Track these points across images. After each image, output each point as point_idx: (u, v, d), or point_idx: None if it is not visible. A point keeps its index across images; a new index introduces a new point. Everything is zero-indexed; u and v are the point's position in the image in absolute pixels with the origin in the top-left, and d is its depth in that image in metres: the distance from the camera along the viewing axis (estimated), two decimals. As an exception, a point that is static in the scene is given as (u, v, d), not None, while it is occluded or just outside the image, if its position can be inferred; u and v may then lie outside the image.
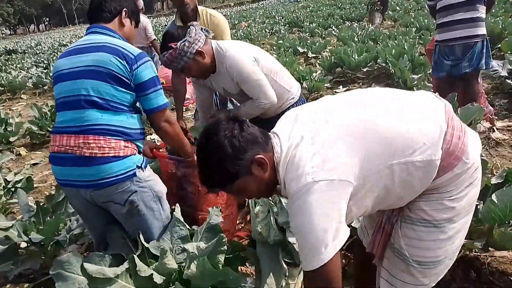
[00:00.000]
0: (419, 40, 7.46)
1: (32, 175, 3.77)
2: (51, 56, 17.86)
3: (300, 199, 1.14)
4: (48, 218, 2.60)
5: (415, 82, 5.28)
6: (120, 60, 1.74)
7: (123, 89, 1.76)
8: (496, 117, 4.29)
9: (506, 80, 4.48)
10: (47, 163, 5.02)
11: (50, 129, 5.62)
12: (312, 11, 22.06)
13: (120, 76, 1.74)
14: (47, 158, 5.16)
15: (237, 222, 2.74)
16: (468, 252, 2.27)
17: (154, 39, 5.86)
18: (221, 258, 1.76)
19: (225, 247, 1.78)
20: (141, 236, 1.88)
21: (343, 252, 2.46)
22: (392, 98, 1.32)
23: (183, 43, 2.09)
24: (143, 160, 1.87)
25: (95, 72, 1.74)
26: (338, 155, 1.16)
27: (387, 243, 1.43)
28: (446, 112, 1.26)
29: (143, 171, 1.83)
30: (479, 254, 2.21)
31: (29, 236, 2.38)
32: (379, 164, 1.18)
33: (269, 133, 1.34)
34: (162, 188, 1.96)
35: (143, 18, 5.53)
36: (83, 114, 1.73)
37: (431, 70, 3.78)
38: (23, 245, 2.50)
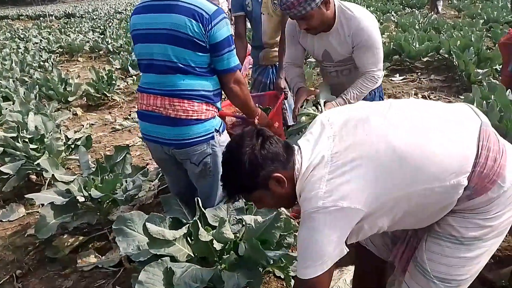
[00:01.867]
0: (487, 33, 7.00)
1: (91, 134, 3.92)
2: (107, 22, 18.37)
3: (309, 219, 1.18)
4: (106, 177, 2.70)
5: (480, 77, 4.98)
6: (195, 22, 1.72)
7: (201, 53, 1.77)
8: None
9: None
10: (101, 124, 5.22)
11: (106, 93, 5.82)
12: (369, -6, 21.22)
13: (197, 40, 1.74)
14: (101, 119, 5.37)
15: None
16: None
17: None
18: (277, 234, 1.77)
19: (281, 223, 1.78)
20: (199, 202, 1.91)
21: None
22: (425, 117, 1.26)
23: None
24: (221, 124, 1.95)
25: (174, 37, 1.75)
26: (354, 182, 1.15)
27: (411, 257, 1.40)
28: (481, 132, 1.20)
29: (220, 135, 1.92)
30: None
31: (89, 192, 2.48)
32: (398, 192, 1.17)
33: (294, 146, 1.33)
34: None
35: None
36: (166, 79, 1.80)
37: (510, 66, 3.51)
38: (81, 199, 2.62)
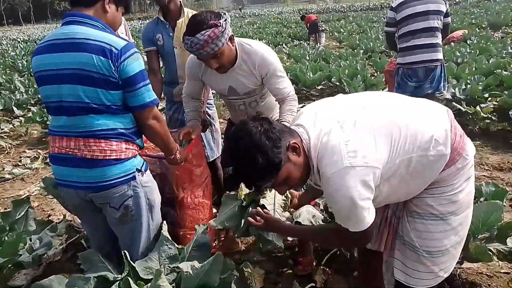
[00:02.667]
0: (369, 62, 7.88)
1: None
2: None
3: (337, 182, 1.27)
4: (6, 237, 2.34)
5: (369, 101, 5.54)
6: (104, 58, 1.61)
7: (114, 91, 1.66)
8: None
9: (452, 102, 4.84)
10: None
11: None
12: (260, 28, 22.50)
13: (107, 77, 1.63)
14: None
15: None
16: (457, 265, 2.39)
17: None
18: (217, 278, 1.70)
19: (221, 265, 1.72)
20: (127, 254, 1.76)
21: (322, 267, 2.49)
22: (405, 101, 1.50)
23: (225, 21, 1.94)
24: (143, 163, 1.83)
25: (83, 77, 1.63)
26: (370, 145, 1.29)
27: (395, 237, 1.59)
28: (448, 114, 1.45)
29: (142, 175, 1.80)
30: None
31: (-14, 258, 2.12)
32: (401, 157, 1.33)
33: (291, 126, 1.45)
34: (156, 198, 1.91)
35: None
36: (79, 120, 1.66)
37: (393, 90, 3.98)
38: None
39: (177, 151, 2.00)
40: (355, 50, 9.89)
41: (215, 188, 3.06)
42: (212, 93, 3.16)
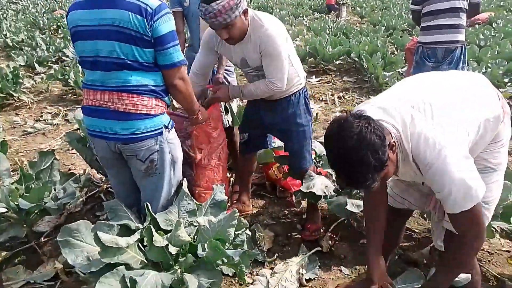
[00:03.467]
0: (390, 39, 7.76)
1: (4, 139, 3.54)
2: (1, 13, 16.52)
3: (439, 161, 1.36)
4: (33, 185, 2.49)
5: (387, 79, 5.53)
6: (139, 17, 1.69)
7: (147, 49, 1.74)
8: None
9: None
10: (9, 127, 4.74)
11: (11, 92, 5.29)
12: (280, -2, 21.99)
13: (142, 35, 1.71)
14: (8, 122, 4.88)
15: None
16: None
17: None
18: (232, 233, 1.81)
19: (236, 221, 1.83)
20: (149, 206, 1.88)
21: (329, 234, 2.60)
22: (462, 78, 1.68)
23: None
24: (170, 121, 1.93)
25: (118, 33, 1.70)
26: (451, 125, 1.42)
27: None
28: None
29: (168, 132, 1.90)
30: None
31: (16, 202, 2.27)
32: (473, 126, 1.48)
33: None
34: (179, 154, 2.02)
35: None
36: (113, 75, 1.75)
37: (412, 69, 3.97)
38: (2, 211, 2.38)
39: (199, 112, 2.10)
40: (377, 27, 9.71)
41: (231, 154, 3.16)
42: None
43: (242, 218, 2.00)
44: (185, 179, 2.10)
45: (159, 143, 1.88)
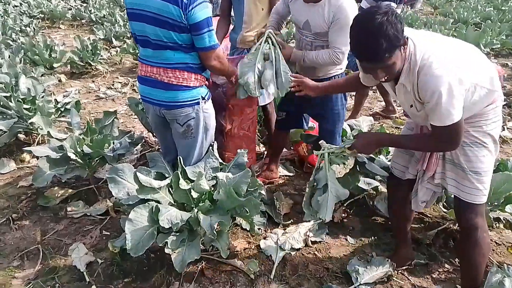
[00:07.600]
0: (453, 32, 7.49)
1: (79, 100, 4.16)
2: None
3: (438, 73, 1.59)
4: (96, 137, 3.00)
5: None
6: (176, 7, 1.99)
7: (184, 33, 2.07)
8: (509, 117, 4.53)
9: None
10: (85, 92, 5.43)
11: (90, 62, 6.00)
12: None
13: (178, 23, 2.03)
14: (85, 87, 5.59)
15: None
16: (451, 225, 2.63)
17: None
18: (245, 187, 2.14)
19: (249, 180, 2.15)
20: (181, 159, 2.27)
21: (343, 208, 2.84)
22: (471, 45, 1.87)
23: None
24: (207, 93, 2.29)
25: (159, 21, 2.04)
26: (463, 66, 1.64)
27: (438, 160, 1.96)
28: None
29: (204, 103, 2.26)
30: (458, 228, 2.57)
31: (81, 149, 2.79)
32: (472, 81, 1.66)
33: None
34: (212, 123, 2.37)
35: None
36: (160, 53, 2.13)
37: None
38: (72, 156, 2.91)
39: (235, 75, 2.41)
40: (445, 19, 9.33)
41: (266, 130, 3.46)
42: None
43: (256, 179, 2.32)
44: (215, 142, 2.46)
45: (195, 111, 2.23)
